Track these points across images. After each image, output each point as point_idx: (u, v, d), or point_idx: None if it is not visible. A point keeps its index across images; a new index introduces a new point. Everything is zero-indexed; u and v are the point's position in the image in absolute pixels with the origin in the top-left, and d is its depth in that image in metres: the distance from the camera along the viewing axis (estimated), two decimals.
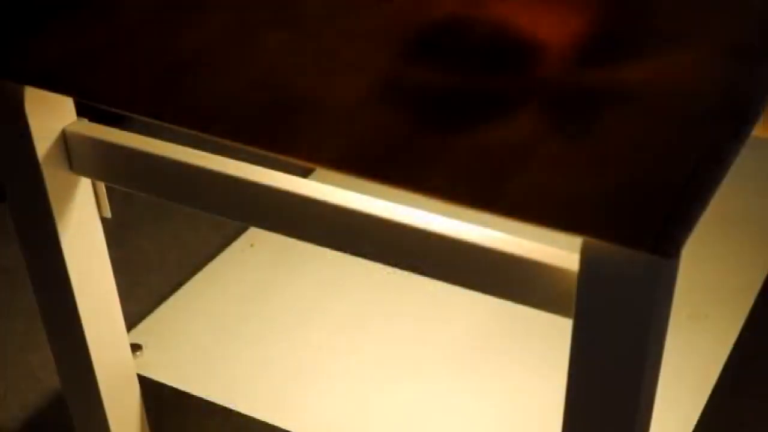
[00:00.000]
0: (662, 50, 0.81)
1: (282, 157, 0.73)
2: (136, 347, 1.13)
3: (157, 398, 1.11)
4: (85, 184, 0.93)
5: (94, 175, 0.91)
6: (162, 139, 0.88)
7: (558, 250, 0.72)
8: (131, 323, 1.14)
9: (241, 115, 0.76)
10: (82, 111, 0.90)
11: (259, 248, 1.28)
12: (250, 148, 0.74)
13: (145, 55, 0.83)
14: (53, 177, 0.89)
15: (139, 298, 1.39)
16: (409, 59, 0.81)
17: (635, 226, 0.63)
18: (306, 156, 0.72)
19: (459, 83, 0.78)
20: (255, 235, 1.30)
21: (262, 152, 0.73)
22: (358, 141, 0.72)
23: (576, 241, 0.66)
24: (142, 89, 0.80)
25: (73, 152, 0.89)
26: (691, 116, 0.73)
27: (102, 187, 0.93)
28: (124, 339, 1.04)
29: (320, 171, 0.87)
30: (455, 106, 0.75)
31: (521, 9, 0.87)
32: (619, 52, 0.81)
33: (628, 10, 0.87)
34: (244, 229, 1.31)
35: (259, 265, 1.25)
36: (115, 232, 1.44)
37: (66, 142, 0.89)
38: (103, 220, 0.97)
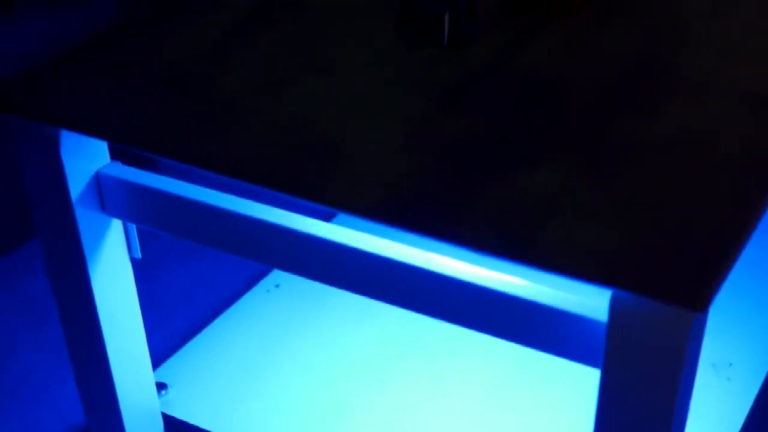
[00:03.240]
0: (689, 100, 0.82)
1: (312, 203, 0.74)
2: (161, 386, 1.14)
3: None
4: (116, 225, 0.94)
5: (126, 216, 0.92)
6: (191, 181, 0.89)
7: (587, 300, 0.72)
8: (156, 362, 1.15)
9: (272, 160, 0.77)
10: (115, 152, 0.91)
11: (284, 289, 1.28)
12: (280, 193, 0.75)
13: (179, 100, 0.85)
14: (86, 218, 0.91)
15: (164, 337, 1.39)
16: (440, 107, 0.82)
17: (666, 279, 0.63)
18: (337, 203, 0.73)
19: (490, 132, 0.79)
20: (280, 275, 1.30)
21: (291, 197, 0.74)
22: (389, 189, 0.73)
23: (605, 290, 0.67)
24: (175, 134, 0.81)
25: (105, 194, 0.90)
26: (720, 167, 0.74)
27: (133, 228, 0.94)
28: (149, 377, 1.05)
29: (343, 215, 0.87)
30: (486, 154, 0.76)
31: (552, 61, 0.88)
32: (648, 102, 0.82)
33: (654, 60, 0.88)
34: (269, 269, 1.32)
35: (284, 306, 1.26)
36: (140, 270, 1.45)
37: (99, 184, 0.90)
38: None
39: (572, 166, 0.74)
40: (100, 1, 1.00)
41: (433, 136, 0.79)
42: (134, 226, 0.94)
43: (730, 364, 1.15)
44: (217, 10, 0.98)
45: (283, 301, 1.27)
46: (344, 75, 0.87)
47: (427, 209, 0.71)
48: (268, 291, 1.28)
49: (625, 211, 0.70)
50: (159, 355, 1.19)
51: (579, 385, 1.12)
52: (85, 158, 0.89)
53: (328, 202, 0.73)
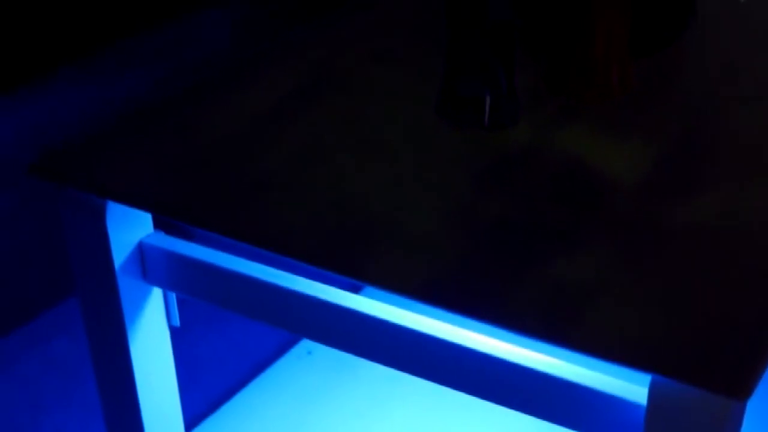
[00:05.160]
0: (730, 185, 0.83)
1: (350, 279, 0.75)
2: None
3: None
4: (156, 293, 0.95)
5: (166, 285, 0.93)
6: (228, 249, 0.90)
7: (626, 384, 0.73)
8: (187, 427, 1.16)
9: (313, 236, 0.78)
10: (156, 220, 0.93)
11: (317, 356, 1.29)
12: (319, 269, 0.76)
13: (222, 174, 0.87)
14: (127, 285, 0.92)
15: (196, 402, 1.40)
16: (480, 188, 0.83)
17: (707, 367, 0.64)
18: (378, 283, 0.74)
19: (529, 214, 0.80)
20: (313, 342, 1.31)
21: (331, 274, 0.75)
22: (430, 269, 0.74)
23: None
24: (218, 207, 0.82)
25: (148, 263, 0.92)
26: (762, 253, 0.75)
27: (173, 297, 0.96)
28: None
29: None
30: (526, 237, 0.77)
31: (592, 142, 0.89)
32: (687, 186, 0.83)
33: (694, 144, 0.89)
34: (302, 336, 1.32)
35: (316, 373, 1.26)
36: (173, 335, 1.46)
37: (142, 253, 0.91)
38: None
39: (612, 251, 0.75)
40: (145, 69, 1.03)
41: (472, 217, 0.80)
42: (174, 294, 0.96)
43: None
44: (262, 86, 1.00)
45: (316, 368, 1.27)
46: (384, 154, 0.89)
47: (469, 291, 0.72)
48: (300, 358, 1.29)
49: (665, 298, 0.70)
50: (190, 421, 1.19)
51: None
52: (130, 228, 0.90)
53: (369, 281, 0.74)
